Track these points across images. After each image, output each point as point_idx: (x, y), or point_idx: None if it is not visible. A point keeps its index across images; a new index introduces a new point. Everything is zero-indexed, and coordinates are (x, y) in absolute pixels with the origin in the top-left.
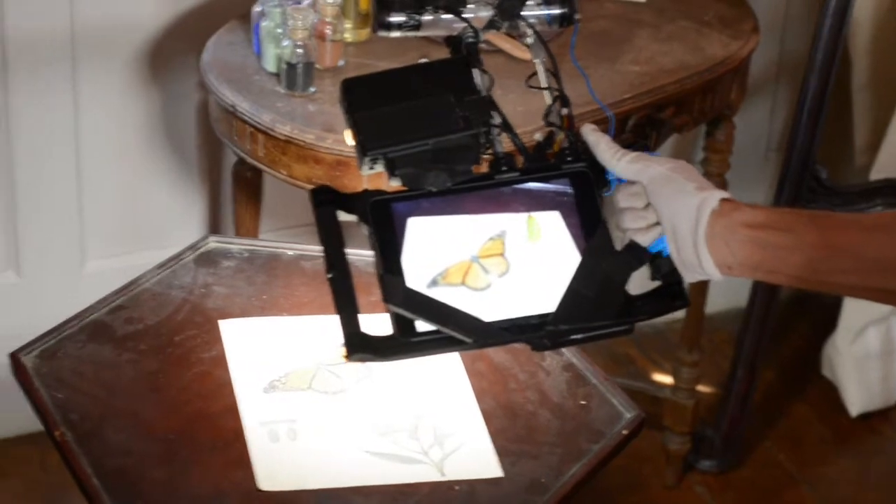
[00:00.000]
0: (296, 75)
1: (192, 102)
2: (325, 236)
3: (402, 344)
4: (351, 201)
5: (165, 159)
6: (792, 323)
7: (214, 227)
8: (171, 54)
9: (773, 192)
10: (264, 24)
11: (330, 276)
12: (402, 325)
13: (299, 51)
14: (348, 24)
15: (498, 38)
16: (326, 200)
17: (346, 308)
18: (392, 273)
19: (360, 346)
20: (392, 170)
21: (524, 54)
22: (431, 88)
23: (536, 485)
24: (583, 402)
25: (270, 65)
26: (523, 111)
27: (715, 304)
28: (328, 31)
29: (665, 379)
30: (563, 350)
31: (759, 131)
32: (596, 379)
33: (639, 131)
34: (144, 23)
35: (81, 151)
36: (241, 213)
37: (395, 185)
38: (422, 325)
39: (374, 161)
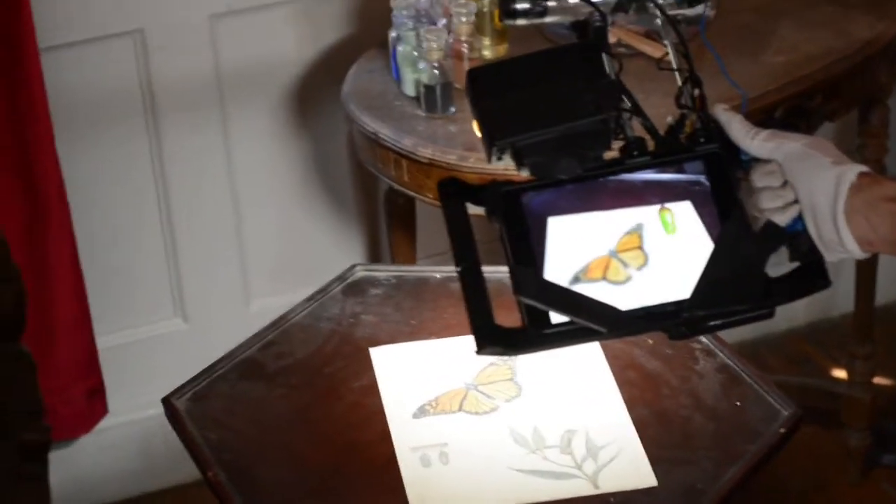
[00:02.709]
0: (434, 97)
1: (341, 135)
2: (453, 229)
3: (535, 336)
4: (479, 193)
5: (320, 193)
6: None
7: (373, 257)
8: (316, 89)
9: None
10: (400, 48)
11: (459, 269)
12: (535, 317)
13: (436, 72)
14: (486, 41)
15: (636, 40)
16: (454, 192)
17: (477, 300)
18: (523, 264)
19: (491, 339)
20: (520, 159)
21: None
22: (559, 74)
23: (692, 491)
24: (738, 403)
25: (409, 89)
26: (665, 112)
27: (889, 294)
28: (464, 49)
29: (842, 374)
30: (717, 352)
31: None
32: (751, 378)
33: (787, 122)
34: (288, 60)
35: (237, 192)
36: (397, 241)
37: (524, 174)
38: (555, 317)
39: (501, 151)
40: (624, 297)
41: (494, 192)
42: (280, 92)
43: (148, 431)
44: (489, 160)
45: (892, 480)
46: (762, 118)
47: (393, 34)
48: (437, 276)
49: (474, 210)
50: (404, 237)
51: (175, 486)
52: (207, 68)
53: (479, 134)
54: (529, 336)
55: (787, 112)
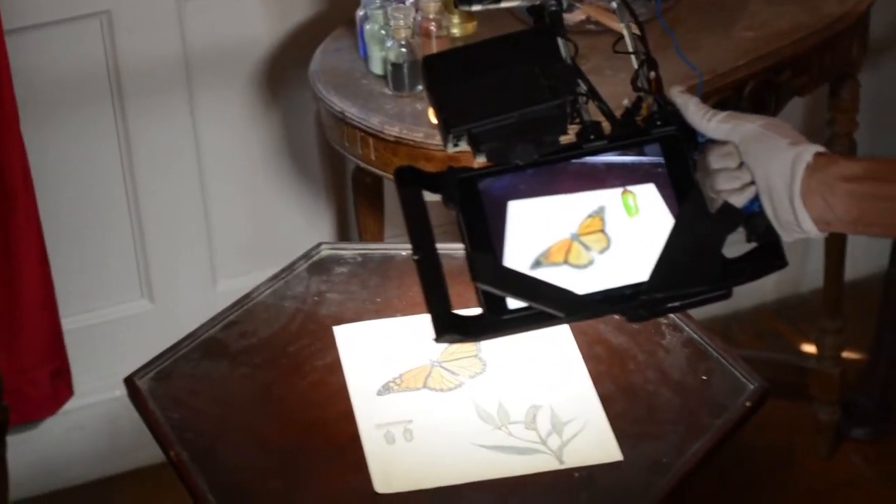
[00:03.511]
0: (402, 75)
1: (309, 114)
2: (410, 217)
3: (492, 322)
4: (436, 180)
5: (288, 173)
6: None
7: (341, 236)
8: (284, 68)
9: None
10: (368, 27)
11: (416, 258)
12: (492, 304)
13: (403, 50)
14: (454, 19)
15: (606, 17)
16: (411, 180)
17: (434, 289)
18: (481, 251)
19: (448, 327)
20: (477, 146)
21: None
22: (515, 60)
23: (658, 465)
24: (704, 378)
25: (377, 67)
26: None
27: (858, 269)
28: (432, 27)
29: (811, 349)
30: (684, 326)
31: (892, 89)
32: (717, 353)
33: (757, 97)
34: (255, 40)
35: (204, 173)
36: (365, 220)
37: (480, 161)
38: (513, 303)
39: (458, 138)
40: (586, 281)
41: (451, 179)
42: (247, 72)
43: (114, 412)
44: (446, 147)
45: (861, 454)
46: (732, 94)
47: (360, 12)
48: (403, 253)
49: (431, 197)
50: (372, 216)
51: (141, 467)
52: (175, 49)
53: (435, 121)
54: (487, 322)
55: (757, 87)
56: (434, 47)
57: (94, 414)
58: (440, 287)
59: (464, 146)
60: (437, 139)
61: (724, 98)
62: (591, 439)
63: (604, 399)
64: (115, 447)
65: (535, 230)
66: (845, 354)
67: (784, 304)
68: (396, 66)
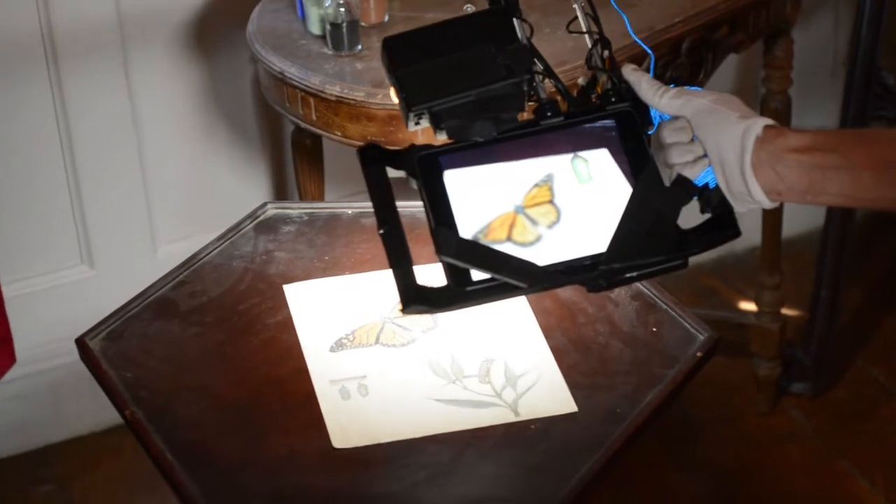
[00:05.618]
0: (341, 35)
1: (246, 76)
2: (375, 193)
3: (457, 294)
4: (399, 157)
5: (226, 135)
6: (875, 239)
7: (281, 199)
8: (219, 29)
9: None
10: None
11: (381, 231)
12: (457, 276)
13: (342, 10)
14: None
15: None
16: (375, 158)
17: (400, 262)
18: (443, 224)
19: (415, 299)
20: (437, 123)
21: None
22: (472, 40)
23: (612, 415)
24: (654, 329)
25: (315, 27)
26: (573, 46)
27: (794, 227)
28: None
29: (750, 306)
30: None
31: (823, 47)
32: (666, 305)
33: (694, 54)
34: (191, 1)
35: (142, 137)
36: (305, 182)
37: (441, 138)
38: (476, 274)
39: (418, 116)
40: (533, 258)
41: (412, 156)
42: (183, 33)
43: (57, 380)
44: (407, 125)
45: (800, 407)
46: (669, 51)
47: None
48: (350, 212)
49: (395, 173)
50: (312, 178)
51: (84, 434)
52: (108, 10)
53: (396, 101)
54: (452, 294)
55: (694, 44)
56: (372, 6)
57: (36, 382)
58: (405, 260)
59: (425, 124)
60: (378, 98)
61: (661, 55)
62: (546, 391)
63: (556, 352)
64: (57, 415)
65: (475, 204)
66: (783, 311)
67: (720, 262)
68: (335, 26)
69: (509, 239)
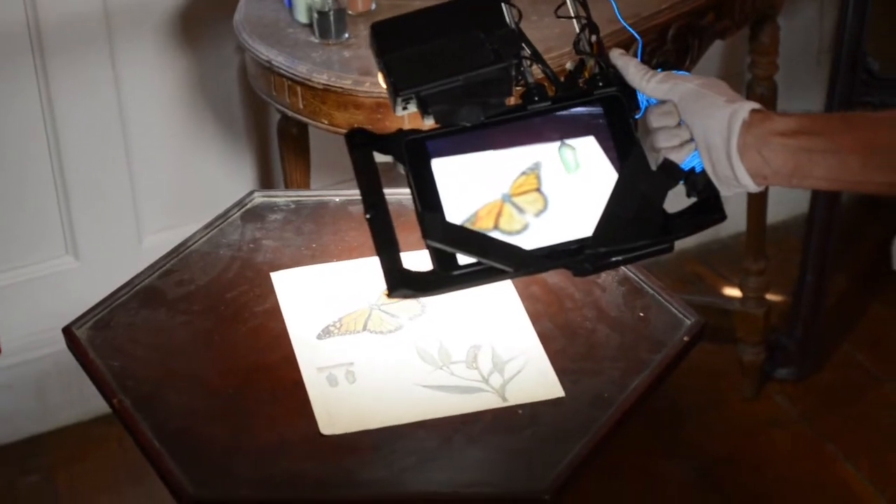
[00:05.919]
0: (328, 23)
1: (232, 65)
2: (362, 178)
3: (443, 278)
4: (386, 142)
5: (212, 126)
6: (860, 224)
7: (267, 188)
8: (205, 19)
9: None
10: None
11: (368, 216)
12: (443, 260)
13: None
14: None
15: None
16: (362, 142)
17: (386, 247)
18: (430, 209)
19: (401, 283)
20: (425, 108)
21: None
22: (460, 25)
23: (600, 400)
24: (641, 314)
25: (302, 16)
26: (559, 32)
27: (779, 212)
28: None
29: (735, 292)
30: None
31: (809, 33)
32: (653, 289)
33: (680, 41)
34: None
35: (127, 128)
36: (291, 171)
37: (429, 123)
38: (462, 259)
39: (406, 101)
40: (521, 244)
41: (400, 140)
42: (169, 23)
43: (42, 371)
44: (394, 110)
45: (785, 393)
46: (656, 37)
47: None
48: (337, 199)
49: (382, 158)
50: (298, 167)
51: (69, 424)
52: (94, 1)
53: (384, 85)
54: (438, 278)
55: (680, 30)
56: None
57: (21, 373)
58: (392, 244)
59: (412, 109)
60: (365, 86)
61: (647, 42)
62: (533, 377)
63: (543, 337)
64: (42, 406)
65: (462, 192)
66: (768, 296)
67: (705, 248)
68: (322, 15)
69: (496, 227)
